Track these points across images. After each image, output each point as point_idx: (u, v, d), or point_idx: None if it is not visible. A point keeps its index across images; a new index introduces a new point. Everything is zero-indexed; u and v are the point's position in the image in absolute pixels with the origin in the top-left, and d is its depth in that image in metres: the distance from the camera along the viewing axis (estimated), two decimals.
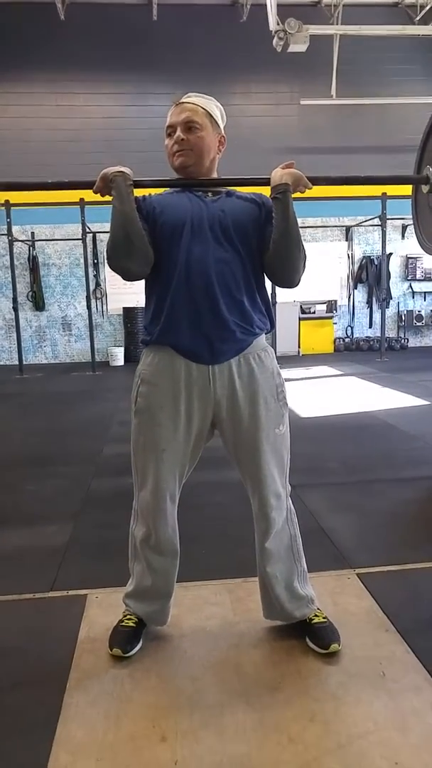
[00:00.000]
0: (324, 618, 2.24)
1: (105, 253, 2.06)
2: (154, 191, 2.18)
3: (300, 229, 2.06)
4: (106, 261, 2.09)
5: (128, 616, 2.28)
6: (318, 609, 2.27)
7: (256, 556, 2.24)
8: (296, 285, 2.16)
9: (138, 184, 2.08)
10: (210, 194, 2.12)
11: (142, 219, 2.04)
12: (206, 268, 2.00)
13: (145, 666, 2.13)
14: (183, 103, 2.09)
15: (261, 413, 2.08)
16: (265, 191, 2.12)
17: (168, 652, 2.21)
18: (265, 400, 2.09)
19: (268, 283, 2.18)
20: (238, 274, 2.04)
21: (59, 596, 2.66)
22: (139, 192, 2.08)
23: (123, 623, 2.26)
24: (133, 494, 2.22)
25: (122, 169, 2.07)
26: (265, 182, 2.12)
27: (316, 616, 2.24)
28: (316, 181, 2.15)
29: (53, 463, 4.88)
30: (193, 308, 2.02)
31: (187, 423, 2.07)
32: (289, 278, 2.11)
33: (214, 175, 2.18)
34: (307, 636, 2.22)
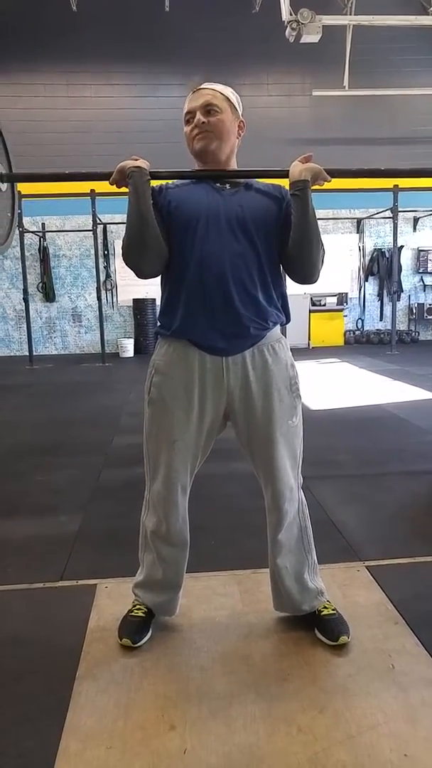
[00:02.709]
0: (333, 610, 2.24)
1: (121, 249, 2.05)
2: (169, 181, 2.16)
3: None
4: (121, 255, 2.07)
5: (138, 606, 2.29)
6: (327, 601, 2.27)
7: (268, 548, 2.24)
8: (315, 281, 2.13)
9: (155, 176, 2.05)
10: (228, 186, 2.09)
11: (156, 211, 2.02)
12: (221, 263, 1.98)
13: (154, 656, 2.14)
14: (201, 89, 2.06)
15: (275, 405, 2.07)
16: (284, 183, 2.10)
17: (177, 642, 2.22)
18: (278, 392, 2.08)
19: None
20: (254, 269, 2.02)
21: (69, 586, 2.67)
22: (154, 182, 2.06)
23: (132, 613, 2.27)
24: (143, 484, 2.22)
25: (139, 163, 2.04)
26: (284, 175, 2.08)
27: (325, 608, 2.24)
28: (335, 173, 2.12)
29: (63, 454, 4.89)
30: (207, 304, 2.01)
31: (200, 413, 2.07)
32: (308, 275, 2.10)
33: (233, 163, 2.14)
34: (316, 628, 2.22)
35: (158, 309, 2.19)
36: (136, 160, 2.05)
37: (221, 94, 2.06)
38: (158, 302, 2.17)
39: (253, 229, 2.01)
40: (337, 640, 2.15)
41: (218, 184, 2.08)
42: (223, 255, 1.99)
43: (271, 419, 2.08)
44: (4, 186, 2.28)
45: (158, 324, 2.15)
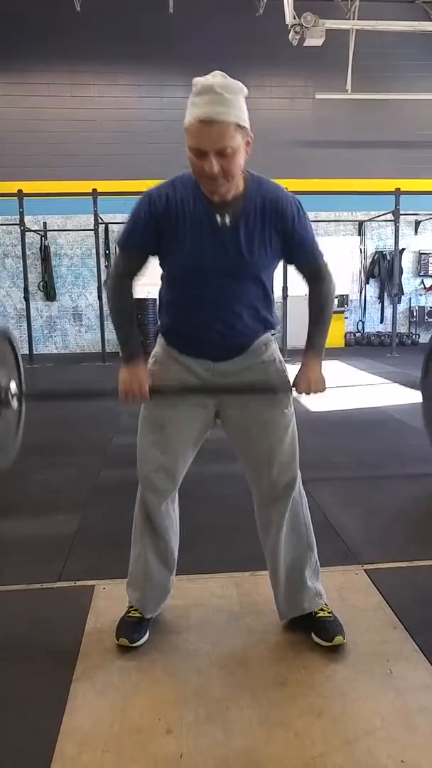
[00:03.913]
0: (329, 613, 2.24)
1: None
2: (155, 183, 2.11)
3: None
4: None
5: (134, 608, 2.29)
6: (325, 604, 2.26)
7: (267, 546, 2.25)
8: None
9: (156, 391, 2.11)
10: (228, 219, 1.93)
11: (152, 237, 1.98)
12: (216, 302, 2.01)
13: (151, 658, 2.13)
14: (212, 122, 1.74)
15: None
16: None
17: (174, 645, 2.21)
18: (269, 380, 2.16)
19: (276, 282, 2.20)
20: (246, 304, 2.05)
21: (67, 587, 2.66)
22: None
23: (129, 614, 2.27)
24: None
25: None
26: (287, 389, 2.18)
27: (321, 610, 2.24)
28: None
29: (62, 453, 4.88)
30: (203, 333, 2.06)
31: (192, 405, 2.13)
32: None
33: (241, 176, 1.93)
34: (312, 630, 2.22)
35: (158, 307, 2.21)
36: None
37: (234, 123, 1.76)
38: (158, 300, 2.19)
39: (250, 269, 2.01)
40: (331, 641, 2.14)
41: (218, 216, 1.93)
42: (219, 294, 2.01)
43: (268, 405, 2.14)
44: (15, 404, 2.38)
45: (159, 323, 2.22)
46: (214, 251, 1.95)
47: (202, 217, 1.94)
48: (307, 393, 2.20)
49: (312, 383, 2.20)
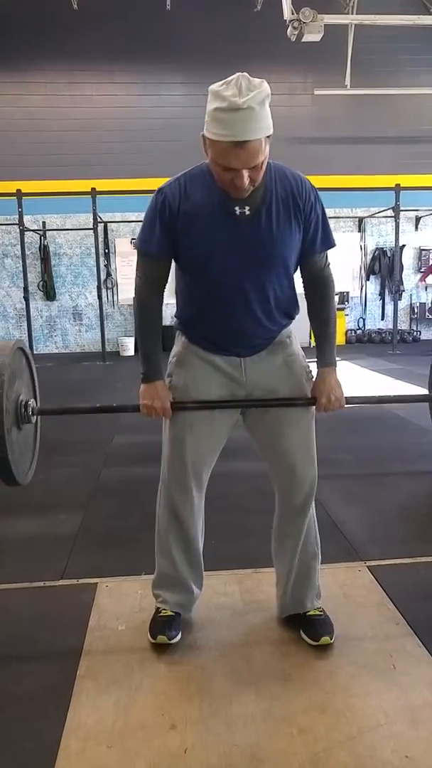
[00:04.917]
0: (320, 611, 2.24)
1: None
2: (162, 179, 2.09)
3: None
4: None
5: (163, 609, 2.26)
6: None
7: (280, 540, 2.25)
8: None
9: (180, 407, 2.10)
10: (247, 209, 1.89)
11: (168, 235, 1.95)
12: (237, 295, 1.99)
13: (154, 655, 2.14)
14: (246, 143, 1.69)
15: (296, 386, 2.15)
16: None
17: (177, 642, 2.20)
18: (298, 378, 2.16)
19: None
20: (270, 295, 2.03)
21: (69, 584, 2.67)
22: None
23: (160, 614, 2.24)
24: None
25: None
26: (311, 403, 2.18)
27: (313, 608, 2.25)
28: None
29: (63, 453, 4.87)
30: (224, 327, 2.05)
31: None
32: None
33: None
34: (301, 628, 2.22)
35: (176, 303, 2.18)
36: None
37: (265, 136, 1.74)
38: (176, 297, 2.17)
39: (269, 260, 1.98)
40: (318, 640, 2.14)
41: (237, 208, 1.88)
42: (239, 287, 1.98)
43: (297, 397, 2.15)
44: (34, 418, 2.37)
45: (177, 321, 2.17)
46: (235, 243, 1.92)
47: (220, 210, 1.90)
48: (326, 411, 2.17)
49: (333, 400, 2.17)
